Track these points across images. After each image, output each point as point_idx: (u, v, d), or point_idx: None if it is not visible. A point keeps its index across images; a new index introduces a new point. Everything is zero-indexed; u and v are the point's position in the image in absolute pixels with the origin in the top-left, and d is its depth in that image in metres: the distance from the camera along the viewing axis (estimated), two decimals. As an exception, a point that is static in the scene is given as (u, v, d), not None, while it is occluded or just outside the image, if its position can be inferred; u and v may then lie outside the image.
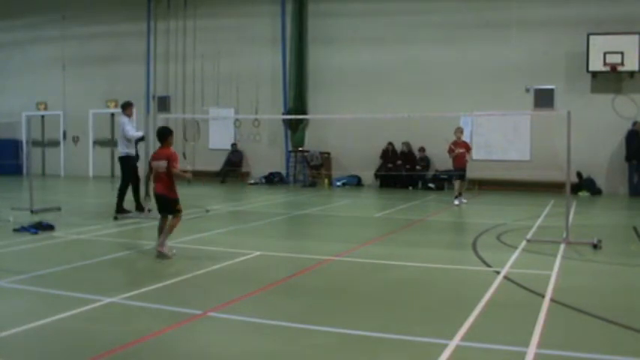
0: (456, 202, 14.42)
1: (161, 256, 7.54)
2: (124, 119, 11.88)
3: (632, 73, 16.84)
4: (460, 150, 14.51)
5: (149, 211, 11.59)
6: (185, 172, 8.24)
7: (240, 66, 21.11)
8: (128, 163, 11.79)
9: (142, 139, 12.04)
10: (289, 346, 4.57)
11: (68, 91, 23.82)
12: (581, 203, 14.90)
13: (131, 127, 11.83)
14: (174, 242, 8.89)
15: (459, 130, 14.77)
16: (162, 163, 7.80)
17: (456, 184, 14.77)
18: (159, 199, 7.89)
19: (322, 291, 6.29)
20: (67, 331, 4.88)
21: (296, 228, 11.56)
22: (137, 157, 12.05)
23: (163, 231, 7.72)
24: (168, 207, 7.84)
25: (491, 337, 4.68)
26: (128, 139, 11.76)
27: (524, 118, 18.04)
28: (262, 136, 21.43)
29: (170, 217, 7.82)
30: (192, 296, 5.95)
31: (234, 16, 21.31)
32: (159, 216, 11.35)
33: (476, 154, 17.97)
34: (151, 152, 12.31)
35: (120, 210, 11.61)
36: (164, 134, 8.12)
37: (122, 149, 11.89)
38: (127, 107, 12.07)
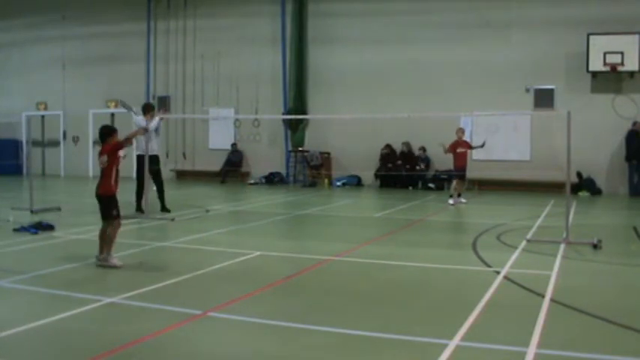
0: (451, 201, 14.33)
1: (108, 266, 7.02)
2: (138, 118, 11.62)
3: (632, 73, 16.84)
4: (462, 149, 14.47)
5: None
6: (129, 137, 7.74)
7: (240, 66, 21.12)
8: (143, 163, 11.57)
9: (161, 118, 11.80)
10: (289, 346, 4.57)
11: (68, 91, 23.82)
12: (581, 203, 14.90)
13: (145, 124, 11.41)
14: (174, 242, 8.91)
15: (461, 131, 14.74)
16: (103, 158, 7.17)
17: (454, 183, 14.73)
18: (98, 200, 7.29)
19: (322, 291, 6.29)
20: (67, 331, 4.88)
21: (296, 228, 11.56)
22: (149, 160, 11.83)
23: (105, 243, 7.11)
24: (102, 209, 7.20)
25: (491, 337, 4.68)
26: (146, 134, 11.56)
27: (524, 118, 18.04)
28: (262, 136, 21.43)
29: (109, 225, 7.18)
30: (192, 296, 5.94)
31: (234, 16, 21.31)
32: (158, 216, 11.47)
33: (476, 154, 17.95)
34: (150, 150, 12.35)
35: (163, 208, 11.84)
36: (102, 134, 7.33)
37: (141, 148, 11.79)
38: (146, 111, 11.72)
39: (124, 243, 7.73)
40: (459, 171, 14.64)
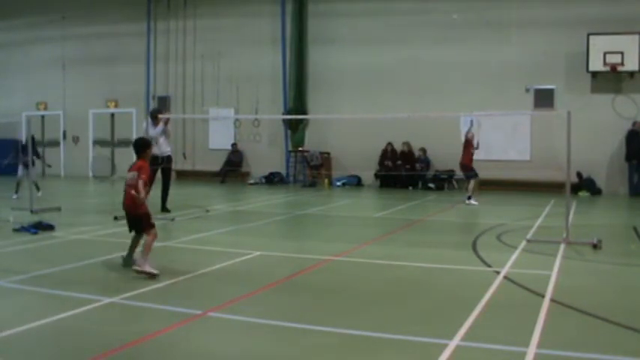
0: (474, 201, 14.40)
1: (141, 273, 6.53)
2: (147, 122, 12.16)
3: (632, 73, 16.85)
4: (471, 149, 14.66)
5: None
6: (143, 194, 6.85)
7: (240, 66, 21.11)
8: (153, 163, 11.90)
9: (166, 122, 12.23)
10: (289, 346, 4.57)
11: (68, 91, 23.82)
12: (581, 203, 14.90)
13: (152, 129, 12.09)
14: (175, 242, 8.90)
15: (470, 133, 14.91)
16: (133, 174, 6.89)
17: (472, 182, 14.82)
18: (127, 214, 7.06)
19: (322, 291, 6.29)
20: (67, 331, 4.88)
21: (296, 228, 11.56)
22: (161, 160, 12.03)
23: (142, 251, 6.72)
24: (139, 224, 6.97)
25: (491, 337, 4.68)
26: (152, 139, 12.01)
27: (524, 118, 18.04)
28: (262, 136, 21.43)
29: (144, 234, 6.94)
30: (192, 296, 5.94)
31: (234, 16, 21.32)
32: (158, 216, 11.44)
33: (476, 154, 17.94)
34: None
35: (164, 208, 12.06)
36: (138, 147, 7.21)
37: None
38: (155, 116, 12.26)
39: (124, 243, 7.72)
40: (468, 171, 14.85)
